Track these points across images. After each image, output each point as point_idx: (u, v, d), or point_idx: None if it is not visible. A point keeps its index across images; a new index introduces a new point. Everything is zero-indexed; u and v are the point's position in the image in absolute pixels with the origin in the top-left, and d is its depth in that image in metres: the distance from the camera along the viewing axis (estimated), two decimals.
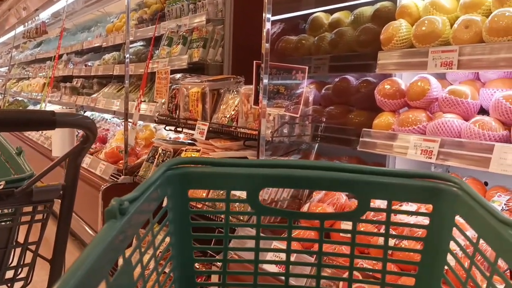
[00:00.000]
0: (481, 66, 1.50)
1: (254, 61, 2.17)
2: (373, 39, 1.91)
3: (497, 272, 0.57)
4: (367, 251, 1.55)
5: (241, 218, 2.02)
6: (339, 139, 2.13)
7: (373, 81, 2.06)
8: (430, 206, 0.69)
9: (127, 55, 3.53)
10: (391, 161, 2.14)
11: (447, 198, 0.67)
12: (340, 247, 1.40)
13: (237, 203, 1.98)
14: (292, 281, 0.77)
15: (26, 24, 7.63)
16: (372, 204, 0.70)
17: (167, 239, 0.74)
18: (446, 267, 0.69)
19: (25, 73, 8.47)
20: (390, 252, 0.73)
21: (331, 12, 2.36)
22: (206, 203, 2.26)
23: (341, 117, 2.13)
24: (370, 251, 1.51)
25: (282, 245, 1.65)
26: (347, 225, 1.53)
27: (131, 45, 3.94)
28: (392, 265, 1.34)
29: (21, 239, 1.20)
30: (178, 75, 3.14)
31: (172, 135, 3.50)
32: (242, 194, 0.72)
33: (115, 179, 3.27)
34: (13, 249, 1.20)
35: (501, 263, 0.56)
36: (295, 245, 1.26)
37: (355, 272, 0.75)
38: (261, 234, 0.75)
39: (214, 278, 1.71)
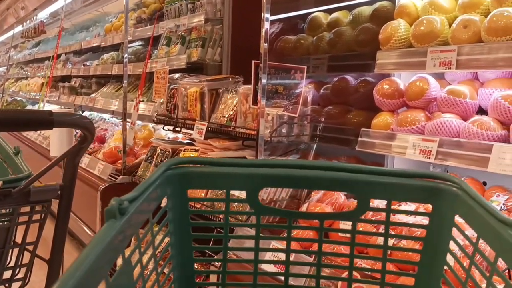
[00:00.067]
0: (480, 66, 1.50)
1: (253, 61, 2.17)
2: (372, 39, 1.91)
3: (496, 272, 0.56)
4: (366, 251, 1.55)
5: (240, 218, 2.02)
6: (338, 139, 2.13)
7: (371, 81, 2.06)
8: (429, 206, 0.69)
9: (126, 55, 3.53)
10: (389, 161, 2.14)
11: (447, 198, 0.67)
12: (338, 247, 1.40)
13: (236, 203, 1.98)
14: (291, 281, 0.77)
15: (24, 23, 7.61)
16: (370, 204, 0.69)
17: (166, 239, 0.73)
18: (445, 267, 0.69)
19: (24, 72, 8.45)
20: (389, 252, 0.73)
21: (329, 12, 2.36)
22: (205, 203, 2.26)
23: (340, 117, 2.13)
24: (368, 251, 1.52)
25: (280, 245, 1.65)
26: (345, 225, 1.53)
27: (129, 45, 3.94)
28: (391, 264, 1.34)
29: (18, 239, 1.20)
30: (176, 75, 3.13)
31: (171, 135, 3.50)
32: (241, 194, 0.72)
33: (114, 179, 3.26)
34: (10, 249, 1.19)
35: (499, 263, 0.56)
36: (293, 245, 1.25)
37: (353, 272, 0.75)
38: (260, 234, 0.74)
39: (213, 278, 1.71)
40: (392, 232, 1.40)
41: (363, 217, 0.70)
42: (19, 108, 7.38)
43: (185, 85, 2.85)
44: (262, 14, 2.01)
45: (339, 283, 1.48)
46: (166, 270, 0.73)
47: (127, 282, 0.56)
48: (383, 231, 0.72)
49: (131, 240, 0.57)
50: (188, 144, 2.81)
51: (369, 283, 0.81)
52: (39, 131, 5.27)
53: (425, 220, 0.70)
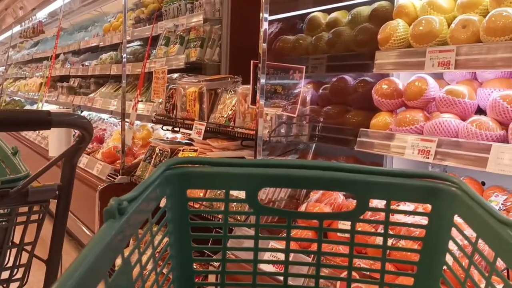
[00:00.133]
0: (478, 66, 1.50)
1: (252, 61, 2.17)
2: (371, 38, 1.91)
3: (495, 271, 0.56)
4: (365, 251, 1.55)
5: (238, 218, 2.02)
6: (337, 139, 2.13)
7: (370, 81, 2.06)
8: (428, 206, 0.69)
9: (124, 55, 3.53)
10: (388, 161, 2.14)
11: (446, 198, 0.67)
12: (337, 246, 1.40)
13: (234, 203, 1.98)
14: (290, 281, 0.77)
15: (23, 23, 7.61)
16: (369, 204, 0.69)
17: (165, 239, 0.73)
18: (444, 267, 0.69)
19: (22, 72, 8.44)
20: (388, 251, 0.73)
21: (328, 11, 2.37)
22: (203, 203, 2.26)
23: (339, 117, 2.13)
24: (367, 250, 1.52)
25: (279, 245, 1.65)
26: (344, 225, 1.53)
27: (128, 45, 3.93)
28: (390, 264, 1.34)
29: (17, 239, 1.19)
30: (175, 75, 3.13)
31: (170, 135, 3.49)
32: (239, 194, 0.72)
33: (112, 179, 3.26)
34: (9, 250, 1.19)
35: (498, 262, 0.56)
36: (292, 245, 1.25)
37: (352, 272, 0.75)
38: (259, 234, 0.74)
39: (212, 278, 1.71)
40: (391, 232, 1.40)
41: (362, 217, 0.70)
42: (17, 108, 7.37)
43: (183, 85, 2.85)
44: (261, 14, 2.01)
45: (338, 283, 1.48)
46: (165, 270, 0.72)
47: (126, 282, 0.56)
48: (382, 231, 0.72)
49: (130, 240, 0.57)
50: (186, 144, 2.81)
51: (368, 283, 0.81)
52: (37, 131, 5.26)
53: (424, 220, 0.70)
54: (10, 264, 1.19)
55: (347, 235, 0.73)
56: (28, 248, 1.18)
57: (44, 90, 5.43)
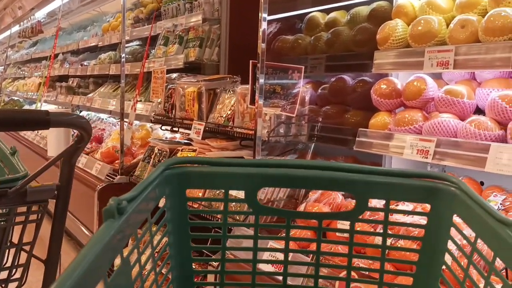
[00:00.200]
0: (477, 65, 1.50)
1: (251, 61, 2.17)
2: (369, 38, 1.92)
3: (494, 271, 0.57)
4: (364, 250, 1.55)
5: (237, 217, 2.01)
6: (336, 139, 2.13)
7: (369, 81, 2.06)
8: (427, 206, 0.69)
9: (123, 55, 3.52)
10: (387, 161, 2.14)
11: (445, 198, 0.67)
12: (336, 246, 1.40)
13: (233, 203, 1.98)
14: (289, 280, 0.77)
15: (21, 23, 7.59)
16: (368, 204, 0.69)
17: (165, 239, 0.73)
18: (443, 267, 0.69)
19: (21, 72, 8.43)
20: (387, 251, 0.73)
21: (327, 11, 2.37)
22: (203, 202, 2.26)
23: (338, 117, 2.13)
24: (366, 250, 1.52)
25: (278, 244, 1.65)
26: (343, 224, 1.53)
27: (127, 45, 3.93)
28: (388, 264, 1.34)
29: (15, 239, 1.19)
30: (174, 75, 3.13)
31: (168, 135, 3.49)
32: (238, 194, 0.72)
33: (111, 179, 3.26)
34: (7, 250, 1.19)
35: (497, 262, 0.56)
36: (291, 245, 1.25)
37: (352, 272, 0.75)
38: (258, 234, 0.74)
39: (211, 278, 1.71)
40: (390, 232, 1.40)
41: (361, 217, 0.70)
42: (16, 108, 7.36)
43: (182, 85, 2.85)
44: (260, 14, 2.01)
45: (337, 282, 1.48)
46: (164, 270, 0.72)
47: (126, 282, 0.56)
48: (381, 231, 0.72)
49: (129, 240, 0.57)
50: (185, 144, 2.81)
51: (367, 282, 0.81)
52: (36, 131, 5.26)
53: (423, 220, 0.70)
54: (8, 264, 1.19)
55: (346, 234, 0.73)
56: (27, 248, 1.18)
57: (43, 90, 5.43)
